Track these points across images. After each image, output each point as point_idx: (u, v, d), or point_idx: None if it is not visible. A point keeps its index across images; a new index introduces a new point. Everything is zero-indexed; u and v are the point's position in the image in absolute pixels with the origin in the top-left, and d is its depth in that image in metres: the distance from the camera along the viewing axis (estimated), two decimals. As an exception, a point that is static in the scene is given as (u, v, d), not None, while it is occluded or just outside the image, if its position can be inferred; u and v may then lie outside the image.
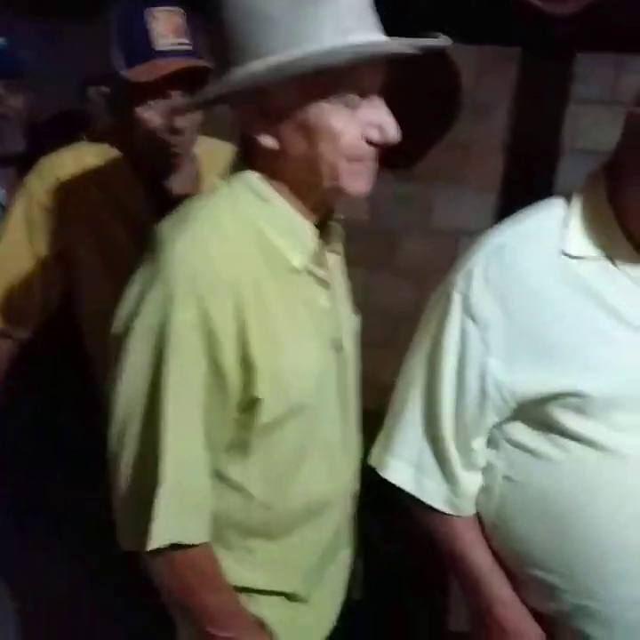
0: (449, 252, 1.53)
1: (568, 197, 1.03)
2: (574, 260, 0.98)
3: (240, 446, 0.92)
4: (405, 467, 1.06)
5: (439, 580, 1.18)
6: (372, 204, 1.83)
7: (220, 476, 0.93)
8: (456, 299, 1.01)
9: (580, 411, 0.96)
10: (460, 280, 1.02)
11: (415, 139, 1.76)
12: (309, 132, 0.85)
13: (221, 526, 0.94)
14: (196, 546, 0.90)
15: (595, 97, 1.73)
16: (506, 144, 1.78)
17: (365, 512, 1.10)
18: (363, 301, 1.77)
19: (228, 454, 0.93)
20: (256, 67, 0.83)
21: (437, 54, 1.75)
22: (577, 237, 0.99)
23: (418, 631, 1.40)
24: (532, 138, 1.76)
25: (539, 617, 1.05)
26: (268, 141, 0.86)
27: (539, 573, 1.02)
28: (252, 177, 0.90)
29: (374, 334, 1.66)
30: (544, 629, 1.06)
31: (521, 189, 1.68)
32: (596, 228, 0.99)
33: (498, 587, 1.05)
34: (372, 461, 1.10)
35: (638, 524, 0.95)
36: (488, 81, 1.76)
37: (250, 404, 0.90)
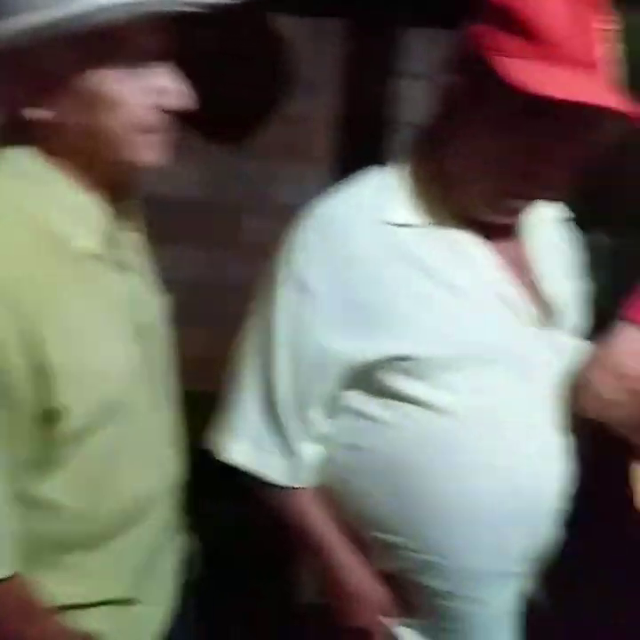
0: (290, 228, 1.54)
1: (390, 167, 1.05)
2: (398, 228, 1.00)
3: (44, 461, 0.84)
4: (244, 446, 1.05)
5: (287, 555, 1.19)
6: (211, 181, 1.80)
7: (25, 496, 0.84)
8: (284, 271, 1.01)
9: (409, 374, 0.99)
10: (286, 252, 1.02)
11: (247, 113, 1.74)
12: (87, 101, 0.77)
13: (36, 547, 0.86)
14: (5, 579, 0.82)
15: (425, 71, 1.78)
16: (341, 118, 1.80)
17: (205, 494, 1.07)
18: (206, 280, 1.75)
19: (32, 471, 0.84)
20: (12, 26, 0.73)
21: (269, 27, 1.75)
22: (400, 206, 1.01)
23: (267, 606, 1.41)
24: (366, 112, 1.79)
25: (388, 578, 1.08)
26: (38, 113, 0.77)
27: (383, 535, 1.04)
28: (23, 154, 0.80)
29: (219, 314, 1.63)
30: (392, 588, 1.08)
31: (359, 163, 1.71)
32: (419, 196, 1.02)
33: (342, 554, 1.07)
34: (210, 444, 1.08)
35: (473, 479, 1.00)
36: (321, 55, 1.77)
37: (51, 415, 0.81)
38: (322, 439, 1.06)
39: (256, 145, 1.77)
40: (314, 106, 1.77)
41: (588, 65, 0.92)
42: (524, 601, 1.08)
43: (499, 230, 1.03)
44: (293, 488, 1.06)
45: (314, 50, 1.75)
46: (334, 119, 1.78)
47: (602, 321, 1.09)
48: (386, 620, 1.08)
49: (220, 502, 1.32)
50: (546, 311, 1.06)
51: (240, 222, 1.85)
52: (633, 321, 1.01)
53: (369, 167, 1.08)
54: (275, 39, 1.72)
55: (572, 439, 1.03)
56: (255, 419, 1.04)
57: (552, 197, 1.06)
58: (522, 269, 1.06)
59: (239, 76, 1.59)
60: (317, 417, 1.04)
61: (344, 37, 1.76)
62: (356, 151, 1.78)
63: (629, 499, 0.98)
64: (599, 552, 1.03)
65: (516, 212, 1.02)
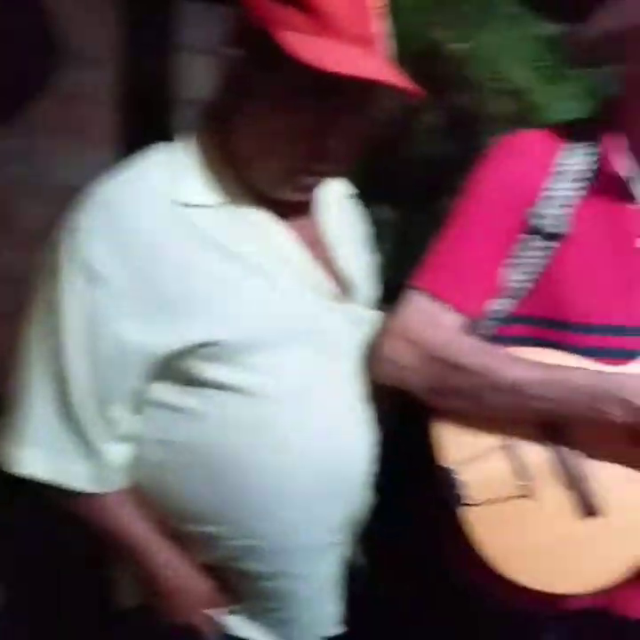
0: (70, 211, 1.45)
1: (176, 144, 1.01)
2: (190, 210, 0.96)
3: None
4: (39, 454, 0.96)
5: (102, 561, 1.13)
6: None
7: None
8: (68, 259, 0.93)
9: (216, 359, 0.96)
10: (69, 238, 0.94)
11: (12, 86, 1.59)
12: None
13: None
14: None
15: (206, 45, 1.74)
16: (122, 95, 1.71)
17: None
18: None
19: None
20: None
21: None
22: (190, 186, 0.98)
23: (85, 613, 1.34)
24: (146, 88, 1.72)
25: (209, 568, 1.06)
26: None
27: (200, 527, 1.02)
28: None
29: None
30: (215, 578, 1.06)
31: (142, 142, 1.65)
32: (210, 175, 0.99)
33: (159, 552, 1.03)
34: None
35: (283, 459, 0.99)
36: (94, 28, 1.66)
37: None
38: (128, 437, 1.00)
39: (29, 122, 1.62)
40: (92, 81, 1.66)
41: (366, 40, 0.93)
42: (344, 568, 1.11)
43: (293, 208, 1.03)
44: (100, 493, 1.00)
45: (89, 21, 1.64)
46: (114, 95, 1.69)
47: (388, 292, 1.15)
48: (211, 612, 1.06)
49: (21, 514, 1.21)
50: (342, 286, 1.08)
51: (13, 206, 1.70)
52: (420, 289, 1.07)
53: (152, 145, 1.03)
54: (46, 13, 1.58)
55: (375, 407, 1.07)
56: (49, 423, 0.96)
57: (338, 172, 1.08)
58: (317, 246, 1.07)
59: (7, 52, 1.46)
60: (121, 414, 0.99)
61: (123, 10, 1.67)
62: (138, 128, 1.70)
63: (431, 457, 1.05)
64: (410, 512, 1.09)
65: (307, 188, 1.03)
